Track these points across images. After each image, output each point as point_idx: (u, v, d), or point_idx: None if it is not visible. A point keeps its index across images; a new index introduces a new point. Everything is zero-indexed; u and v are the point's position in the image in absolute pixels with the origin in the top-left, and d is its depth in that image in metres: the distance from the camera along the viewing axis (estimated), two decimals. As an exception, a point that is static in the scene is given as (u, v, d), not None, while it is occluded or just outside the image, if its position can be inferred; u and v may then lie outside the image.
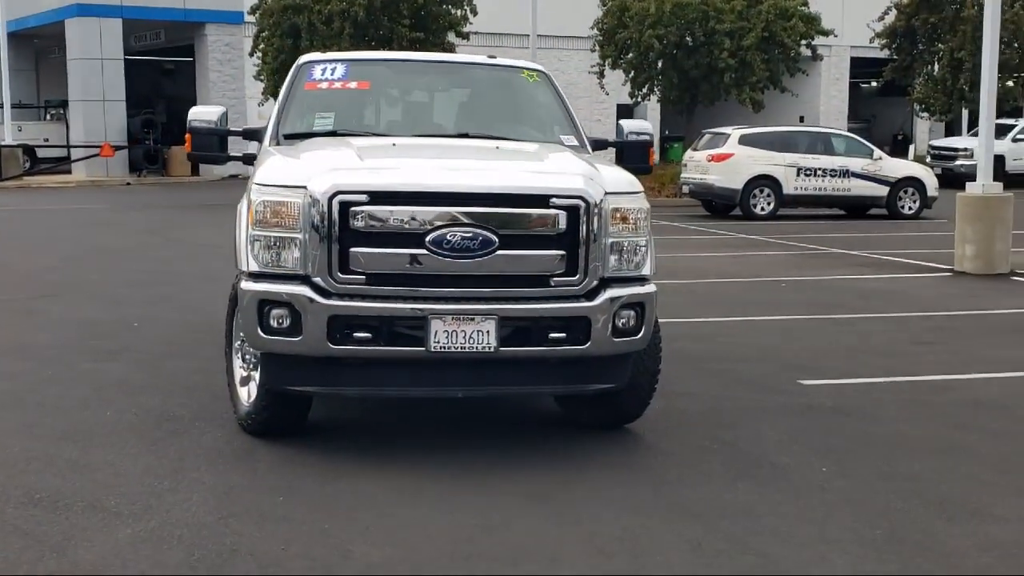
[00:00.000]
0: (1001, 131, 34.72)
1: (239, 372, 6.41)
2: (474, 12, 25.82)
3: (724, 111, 31.36)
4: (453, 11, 25.91)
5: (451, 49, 25.70)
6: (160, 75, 41.02)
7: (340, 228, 5.54)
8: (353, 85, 7.33)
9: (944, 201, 23.77)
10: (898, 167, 24.11)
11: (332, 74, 7.26)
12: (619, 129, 7.46)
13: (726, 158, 22.59)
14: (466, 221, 5.57)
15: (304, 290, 5.59)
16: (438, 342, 5.57)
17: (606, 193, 5.82)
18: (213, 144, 7.05)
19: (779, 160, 22.73)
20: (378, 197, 5.57)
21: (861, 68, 44.91)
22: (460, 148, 6.73)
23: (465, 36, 26.26)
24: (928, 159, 32.52)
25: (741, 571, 4.52)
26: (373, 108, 7.58)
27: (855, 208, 23.72)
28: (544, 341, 5.71)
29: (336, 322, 5.56)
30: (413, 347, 5.62)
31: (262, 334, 5.67)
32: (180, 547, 4.62)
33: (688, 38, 28.75)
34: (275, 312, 5.63)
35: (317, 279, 5.59)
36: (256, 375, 6.20)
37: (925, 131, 45.19)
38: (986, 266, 14.11)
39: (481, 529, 4.93)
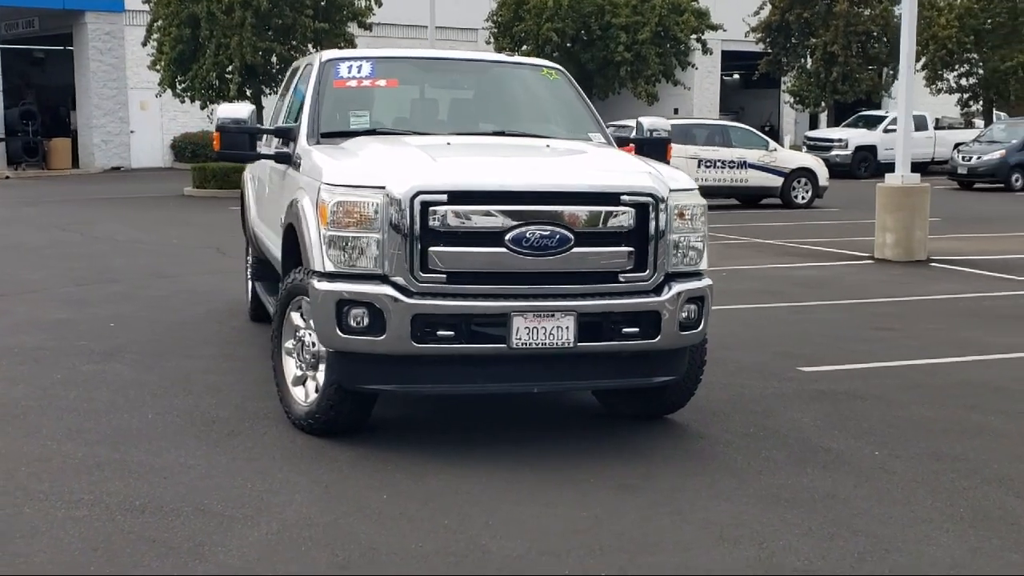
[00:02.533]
0: (873, 122, 36.26)
1: (293, 372, 6.38)
2: (379, 3, 25.66)
3: (618, 104, 31.83)
4: (357, 2, 25.70)
5: (352, 41, 25.49)
6: (29, 65, 39.51)
7: (420, 227, 5.59)
8: (382, 83, 7.36)
9: (830, 191, 24.79)
10: (791, 158, 24.98)
11: (359, 72, 7.26)
12: (638, 126, 7.63)
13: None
14: (544, 219, 5.68)
15: (386, 290, 5.61)
16: (519, 339, 5.66)
17: (670, 190, 6.01)
18: (243, 142, 6.97)
19: (681, 152, 23.16)
20: (457, 197, 5.63)
21: (730, 61, 46.16)
22: (515, 147, 6.80)
23: (368, 27, 26.09)
24: (804, 149, 33.64)
25: (860, 552, 4.73)
26: (405, 106, 7.60)
27: (751, 198, 24.46)
28: (617, 336, 5.86)
29: (419, 321, 5.60)
30: (495, 344, 5.70)
31: (340, 333, 5.67)
32: (319, 548, 4.63)
33: (584, 32, 29.17)
34: (354, 312, 5.64)
35: (397, 278, 5.62)
36: (315, 374, 6.19)
37: (791, 122, 46.76)
38: (906, 253, 14.76)
39: (594, 521, 5.04)
